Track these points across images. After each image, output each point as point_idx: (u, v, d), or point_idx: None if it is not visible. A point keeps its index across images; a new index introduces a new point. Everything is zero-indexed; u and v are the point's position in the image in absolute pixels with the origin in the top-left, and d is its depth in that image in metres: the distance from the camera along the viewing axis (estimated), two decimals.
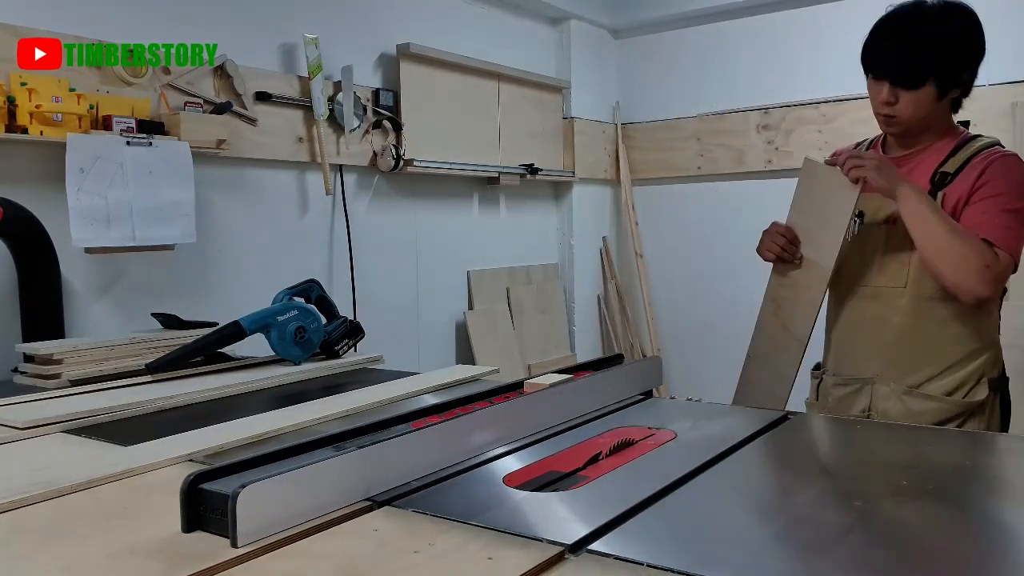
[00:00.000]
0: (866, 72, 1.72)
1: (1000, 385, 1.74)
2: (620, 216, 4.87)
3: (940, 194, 1.66)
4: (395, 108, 3.45)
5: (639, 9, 4.70)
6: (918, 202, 1.60)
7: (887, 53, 1.67)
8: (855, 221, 1.78)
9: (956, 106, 1.72)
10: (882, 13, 1.70)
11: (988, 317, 1.73)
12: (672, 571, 0.84)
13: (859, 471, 1.26)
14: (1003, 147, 1.71)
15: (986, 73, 3.65)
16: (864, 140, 1.95)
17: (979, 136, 1.74)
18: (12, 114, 2.18)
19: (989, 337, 1.73)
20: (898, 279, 1.72)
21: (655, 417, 1.58)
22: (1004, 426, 1.73)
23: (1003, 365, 1.75)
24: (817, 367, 1.96)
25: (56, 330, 2.23)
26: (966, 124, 1.80)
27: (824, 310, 1.91)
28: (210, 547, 0.92)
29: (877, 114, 1.74)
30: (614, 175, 4.85)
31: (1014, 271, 1.62)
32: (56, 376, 1.91)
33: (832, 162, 1.76)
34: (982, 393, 1.70)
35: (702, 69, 4.47)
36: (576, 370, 1.74)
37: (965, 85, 1.68)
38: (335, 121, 3.18)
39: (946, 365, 1.69)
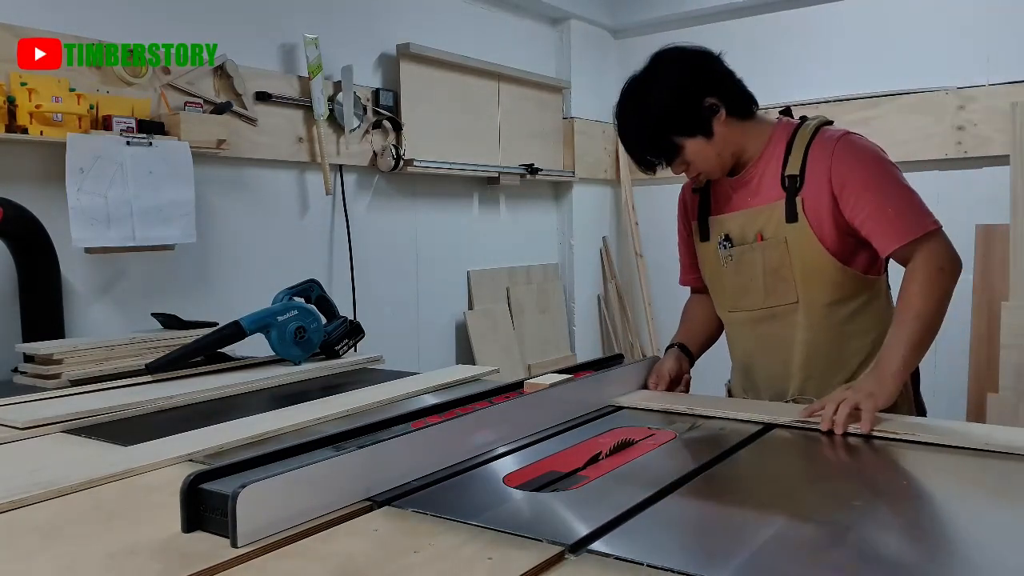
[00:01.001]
0: None
1: (915, 380, 1.72)
2: (620, 216, 4.87)
3: (798, 200, 1.60)
4: (395, 108, 3.45)
5: (639, 9, 4.70)
6: (904, 357, 1.46)
7: (632, 153, 1.67)
8: (723, 246, 1.73)
9: (742, 112, 1.63)
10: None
11: (879, 295, 1.69)
12: (672, 571, 0.84)
13: (859, 470, 1.26)
14: (831, 124, 1.66)
15: (986, 73, 3.70)
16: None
17: (803, 120, 1.68)
18: (12, 114, 2.18)
19: (887, 315, 1.67)
20: (788, 296, 1.67)
21: (655, 417, 1.57)
22: (916, 385, 1.71)
23: None
24: (729, 390, 1.92)
25: (56, 330, 2.23)
26: (787, 111, 1.74)
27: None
28: (210, 547, 0.93)
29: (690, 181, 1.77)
30: (614, 175, 4.85)
31: (940, 224, 1.54)
32: (56, 376, 1.91)
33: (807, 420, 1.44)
34: (905, 402, 1.66)
35: None
36: (576, 370, 1.74)
37: (725, 99, 1.60)
38: (335, 121, 3.18)
39: (859, 362, 1.67)
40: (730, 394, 1.91)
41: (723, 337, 1.92)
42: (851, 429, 1.37)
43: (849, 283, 1.64)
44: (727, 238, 1.72)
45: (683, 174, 1.70)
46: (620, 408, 1.61)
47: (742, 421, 1.47)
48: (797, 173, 1.61)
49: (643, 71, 1.64)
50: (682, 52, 1.64)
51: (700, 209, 1.80)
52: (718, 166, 1.65)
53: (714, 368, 2.03)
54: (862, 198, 1.55)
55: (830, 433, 1.38)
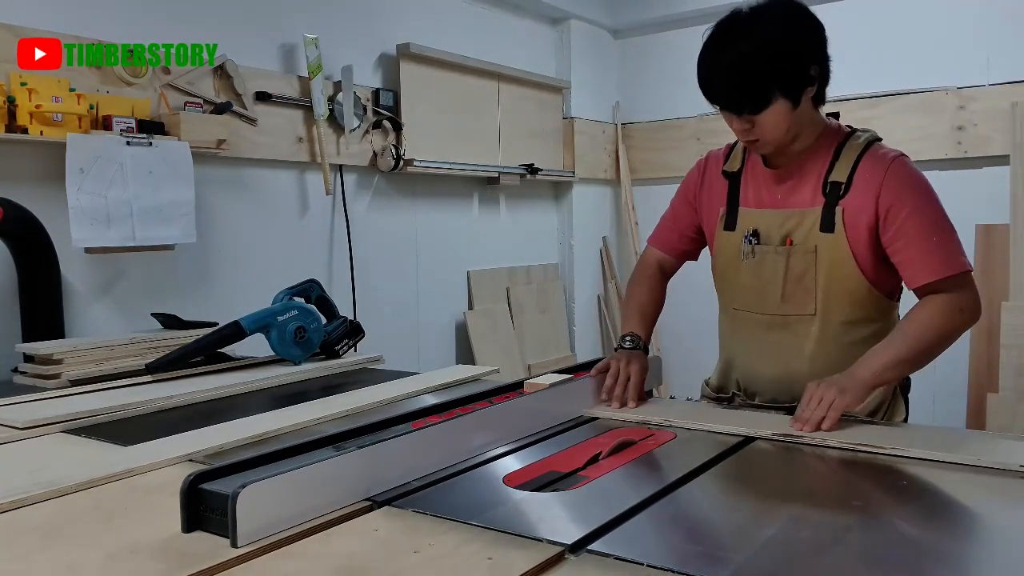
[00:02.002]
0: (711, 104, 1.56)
1: (906, 389, 1.71)
2: (620, 216, 4.87)
3: (839, 208, 1.54)
4: (395, 108, 3.45)
5: (639, 9, 4.70)
6: (884, 367, 1.44)
7: (719, 84, 1.50)
8: (749, 241, 1.65)
9: (820, 99, 1.57)
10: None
11: (889, 325, 1.64)
12: (672, 571, 0.84)
13: (858, 470, 1.26)
14: (881, 141, 1.61)
15: (986, 73, 3.70)
16: (730, 144, 1.77)
17: (854, 131, 1.63)
18: (12, 114, 2.18)
19: None
20: (806, 307, 1.60)
21: (655, 417, 1.57)
22: (904, 390, 1.70)
23: None
24: (716, 388, 1.83)
25: (56, 330, 2.23)
26: (836, 116, 1.68)
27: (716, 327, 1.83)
28: (210, 547, 0.92)
29: (740, 141, 1.63)
30: (614, 175, 4.85)
31: (972, 268, 1.52)
32: (56, 376, 1.91)
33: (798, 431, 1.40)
34: (900, 412, 1.67)
35: None
36: (576, 370, 1.74)
37: (820, 78, 1.52)
38: (335, 121, 3.18)
39: None
40: (708, 390, 1.84)
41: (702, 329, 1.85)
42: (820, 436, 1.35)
43: (871, 304, 1.59)
44: (754, 234, 1.64)
45: (746, 136, 1.56)
46: (594, 419, 1.53)
47: (721, 434, 1.40)
48: (843, 181, 1.55)
49: (767, 7, 1.49)
50: (809, 11, 1.52)
51: (730, 196, 1.70)
52: (778, 140, 1.54)
53: (698, 364, 1.96)
54: (907, 224, 1.49)
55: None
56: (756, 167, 1.67)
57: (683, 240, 1.83)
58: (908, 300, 1.60)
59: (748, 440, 1.37)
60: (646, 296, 1.82)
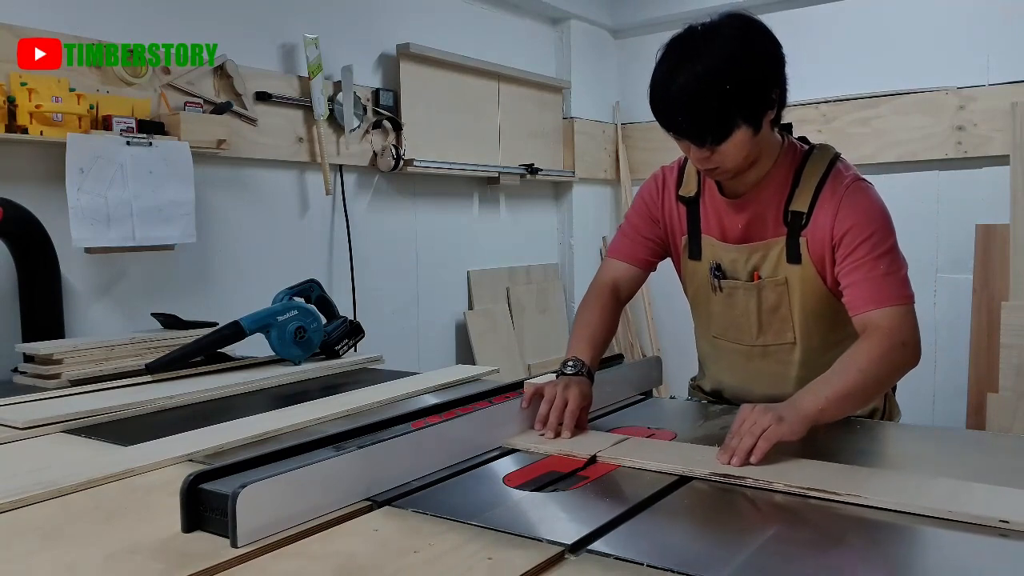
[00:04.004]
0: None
1: (892, 389, 1.68)
2: (620, 216, 4.86)
3: (802, 239, 1.48)
4: (395, 108, 3.45)
5: (639, 9, 4.69)
6: (828, 401, 1.30)
7: (677, 113, 1.38)
8: (715, 275, 1.58)
9: (777, 121, 1.48)
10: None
11: None
12: (672, 571, 0.84)
13: (857, 464, 1.26)
14: (840, 156, 1.54)
15: (986, 73, 3.70)
16: (680, 160, 1.67)
17: (811, 149, 1.54)
18: (12, 114, 2.18)
19: None
20: (785, 336, 1.57)
21: (655, 417, 1.58)
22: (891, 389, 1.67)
23: None
24: (700, 388, 1.79)
25: (56, 330, 2.23)
26: (789, 128, 1.57)
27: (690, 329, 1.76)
28: (210, 547, 0.93)
29: (697, 167, 1.51)
30: (614, 175, 4.85)
31: (913, 300, 1.44)
32: (56, 376, 1.91)
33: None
34: (897, 414, 1.67)
35: None
36: None
37: (779, 100, 1.44)
38: (335, 121, 3.18)
39: None
40: (696, 390, 1.82)
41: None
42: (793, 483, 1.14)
43: (847, 323, 1.52)
44: (719, 268, 1.58)
45: (705, 165, 1.45)
46: (514, 451, 1.33)
47: (656, 472, 1.19)
48: (804, 211, 1.49)
49: (722, 26, 1.38)
50: (767, 28, 1.42)
51: (690, 223, 1.63)
52: (738, 168, 1.46)
53: (687, 370, 1.92)
54: (857, 251, 1.43)
55: (829, 430, 1.37)
56: (714, 194, 1.59)
57: (646, 250, 1.70)
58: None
59: (684, 480, 1.17)
60: (596, 319, 1.64)
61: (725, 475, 1.16)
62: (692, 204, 1.62)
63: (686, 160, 1.63)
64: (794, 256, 1.51)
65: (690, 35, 1.39)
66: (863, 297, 1.42)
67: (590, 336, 1.60)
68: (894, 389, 1.70)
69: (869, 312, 1.41)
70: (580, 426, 1.40)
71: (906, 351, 1.39)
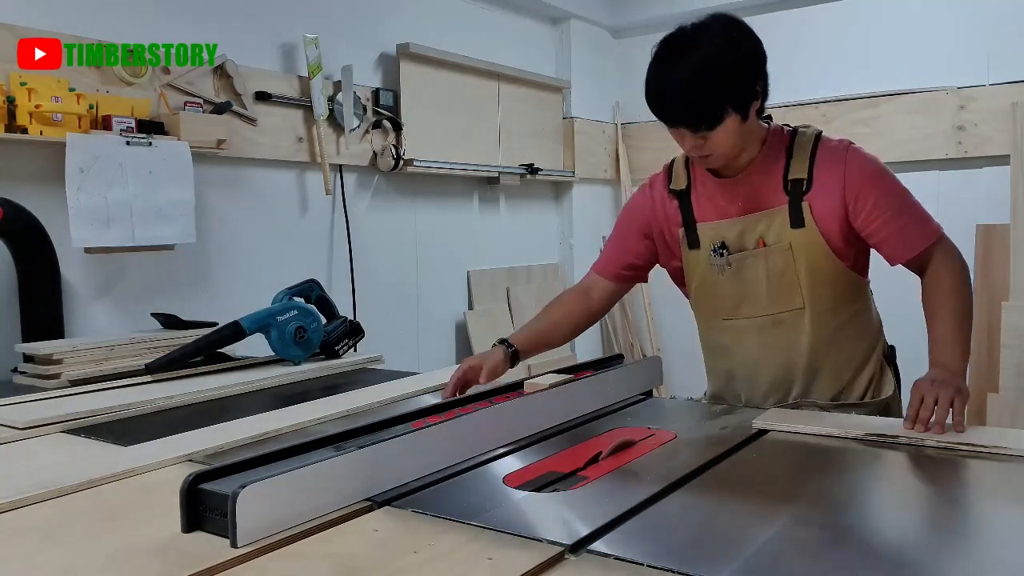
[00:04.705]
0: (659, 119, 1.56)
1: (892, 358, 1.76)
2: None
3: (805, 204, 1.57)
4: (395, 108, 3.45)
5: (639, 9, 4.69)
6: (957, 344, 1.49)
7: (671, 103, 1.51)
8: (719, 254, 1.65)
9: (761, 112, 1.59)
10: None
11: (869, 299, 1.73)
12: (672, 571, 0.84)
13: (858, 470, 1.26)
14: (822, 132, 1.65)
15: (986, 73, 3.70)
16: (667, 164, 1.79)
17: (796, 129, 1.65)
18: (12, 114, 2.18)
19: (876, 319, 1.75)
20: (795, 302, 1.63)
21: (655, 417, 1.58)
22: (898, 389, 1.74)
23: (884, 338, 1.77)
24: (714, 399, 1.81)
25: (56, 330, 2.23)
26: (769, 118, 1.66)
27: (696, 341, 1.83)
28: (210, 547, 0.93)
29: (690, 156, 1.63)
30: (614, 175, 4.85)
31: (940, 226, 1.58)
32: (56, 376, 1.91)
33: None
34: (889, 387, 1.71)
35: None
36: (576, 370, 1.74)
37: (763, 91, 1.55)
38: (335, 121, 3.18)
39: (856, 366, 1.68)
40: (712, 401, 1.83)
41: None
42: (944, 438, 1.32)
43: (852, 286, 1.65)
44: (723, 246, 1.65)
45: (697, 152, 1.56)
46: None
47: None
48: (804, 177, 1.58)
49: (710, 24, 1.51)
50: (749, 27, 1.55)
51: (684, 214, 1.70)
52: (729, 155, 1.56)
53: (698, 364, 1.94)
54: (877, 207, 1.55)
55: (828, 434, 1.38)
56: (706, 182, 1.67)
57: (624, 265, 1.82)
58: (875, 275, 1.68)
59: (754, 437, 1.36)
60: (546, 315, 1.87)
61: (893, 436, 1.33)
62: (684, 197, 1.71)
63: (673, 161, 1.77)
64: (797, 221, 1.59)
65: (681, 33, 1.53)
66: (899, 247, 1.56)
67: (533, 327, 1.85)
68: (892, 358, 1.76)
69: (916, 256, 1.56)
70: (465, 386, 1.66)
71: (965, 269, 1.56)
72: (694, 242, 1.69)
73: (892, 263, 1.59)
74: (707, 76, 1.47)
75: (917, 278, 1.59)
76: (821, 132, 1.65)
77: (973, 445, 1.27)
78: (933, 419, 1.34)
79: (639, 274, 1.85)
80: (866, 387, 1.69)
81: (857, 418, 1.51)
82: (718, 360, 1.79)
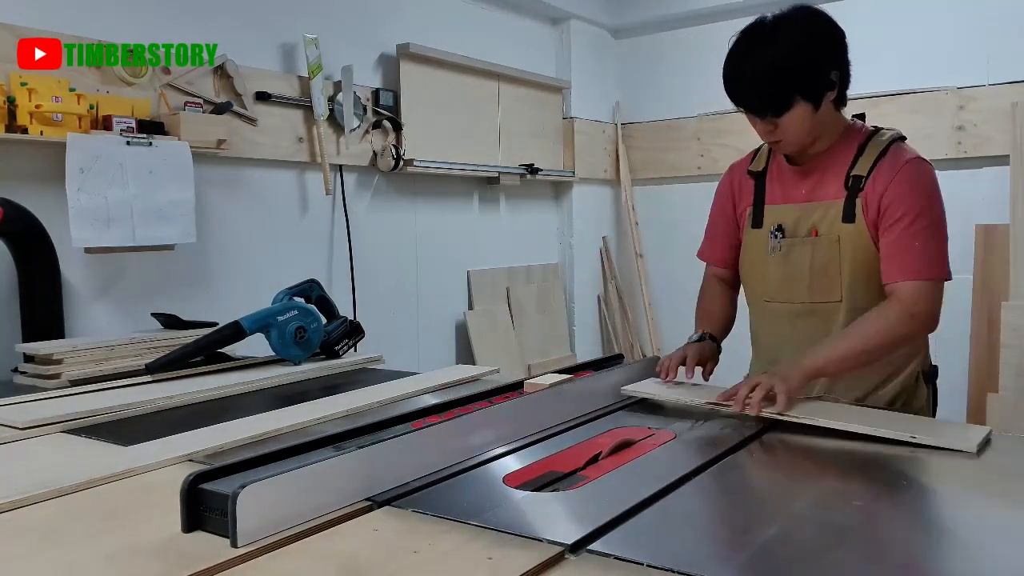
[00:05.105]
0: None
1: (932, 376, 1.76)
2: (620, 216, 4.87)
3: (859, 200, 1.61)
4: (395, 108, 3.45)
5: (639, 9, 4.69)
6: (828, 361, 1.53)
7: (743, 87, 1.58)
8: (774, 236, 1.72)
9: (842, 101, 1.64)
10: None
11: None
12: (672, 571, 0.84)
13: (857, 470, 1.26)
14: (905, 140, 1.67)
15: (986, 73, 3.69)
16: (761, 145, 1.82)
17: (879, 130, 1.68)
18: (12, 114, 2.18)
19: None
20: (833, 294, 1.66)
21: (655, 417, 1.58)
22: (933, 410, 1.76)
23: (929, 356, 1.76)
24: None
25: (56, 330, 2.23)
26: (862, 117, 1.73)
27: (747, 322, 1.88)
28: (210, 547, 0.93)
29: (764, 140, 1.70)
30: (614, 175, 4.85)
31: (949, 278, 1.58)
32: (56, 376, 1.91)
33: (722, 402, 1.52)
34: (920, 399, 1.71)
35: (702, 69, 4.45)
36: (576, 370, 1.74)
37: (839, 82, 1.60)
38: (335, 121, 3.18)
39: (888, 372, 1.68)
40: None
41: (741, 330, 1.89)
42: (766, 412, 1.44)
43: None
44: (779, 228, 1.71)
45: (769, 137, 1.64)
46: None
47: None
48: (864, 175, 1.61)
49: (790, 15, 1.58)
50: (830, 18, 1.62)
51: (756, 194, 1.78)
52: (800, 141, 1.62)
53: (717, 368, 1.97)
54: (900, 222, 1.56)
55: (828, 434, 1.38)
56: (781, 166, 1.74)
57: (729, 248, 1.88)
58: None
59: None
60: (708, 306, 1.90)
61: (717, 405, 1.50)
62: (760, 178, 1.79)
63: (760, 146, 1.82)
64: (849, 216, 1.63)
65: (760, 23, 1.60)
66: (892, 266, 1.57)
67: (708, 318, 1.86)
68: (933, 376, 1.76)
69: (896, 282, 1.56)
70: (691, 372, 1.68)
71: (914, 322, 1.55)
72: (758, 222, 1.76)
73: (883, 279, 1.59)
74: (777, 64, 1.53)
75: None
76: (902, 138, 1.66)
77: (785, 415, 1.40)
78: (738, 396, 1.45)
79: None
80: (894, 397, 1.69)
81: (709, 387, 1.61)
82: (757, 341, 1.87)
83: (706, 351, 1.75)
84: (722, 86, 1.61)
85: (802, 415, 1.41)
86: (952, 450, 1.27)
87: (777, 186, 1.75)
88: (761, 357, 1.86)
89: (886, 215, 1.58)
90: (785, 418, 1.42)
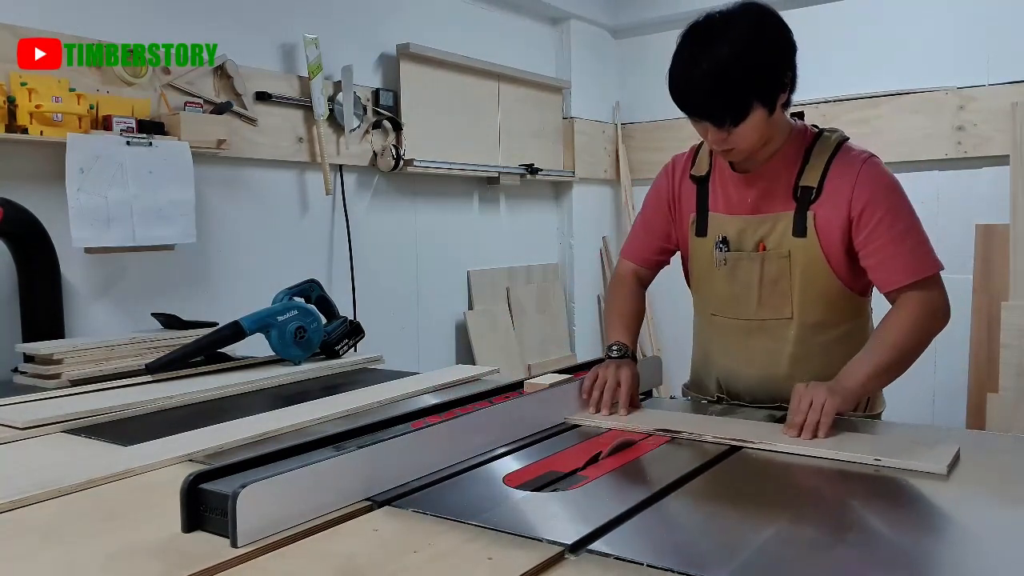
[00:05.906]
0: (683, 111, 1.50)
1: None
2: (620, 216, 4.87)
3: (810, 213, 1.53)
4: (395, 108, 3.45)
5: (639, 9, 4.70)
6: (869, 377, 1.44)
7: (696, 95, 1.45)
8: (719, 248, 1.63)
9: (788, 104, 1.53)
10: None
11: (866, 319, 1.67)
12: (672, 571, 0.84)
13: (857, 469, 1.26)
14: (849, 140, 1.58)
15: (986, 73, 3.69)
16: (693, 147, 1.74)
17: (822, 131, 1.59)
18: (12, 114, 2.18)
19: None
20: (783, 311, 1.59)
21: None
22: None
23: None
24: (696, 387, 1.82)
25: (56, 330, 2.23)
26: (800, 116, 1.63)
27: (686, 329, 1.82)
28: (210, 547, 0.92)
29: (713, 149, 1.57)
30: (614, 175, 4.85)
31: (943, 267, 1.52)
32: (56, 376, 1.91)
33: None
34: (880, 404, 1.67)
35: None
36: (576, 370, 1.74)
37: (791, 84, 1.49)
38: (335, 121, 3.18)
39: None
40: (690, 392, 1.84)
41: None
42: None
43: (845, 303, 1.59)
44: (724, 240, 1.62)
45: (721, 146, 1.50)
46: (575, 427, 1.47)
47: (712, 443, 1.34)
48: (814, 186, 1.53)
49: (736, 14, 1.45)
50: (779, 16, 1.50)
51: (699, 201, 1.68)
52: (752, 148, 1.50)
53: (687, 370, 1.94)
54: (879, 227, 1.48)
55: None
56: (724, 171, 1.64)
57: (657, 251, 1.79)
58: (879, 295, 1.58)
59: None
60: (626, 306, 1.78)
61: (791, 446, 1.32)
62: (702, 183, 1.68)
63: (700, 145, 1.70)
64: (800, 230, 1.55)
65: (708, 23, 1.45)
66: (890, 274, 1.49)
67: (624, 322, 1.74)
68: None
69: (902, 287, 1.48)
70: (633, 404, 1.55)
71: (936, 319, 1.49)
72: (702, 230, 1.67)
73: (882, 290, 1.52)
74: (733, 69, 1.40)
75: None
76: (846, 139, 1.58)
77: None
78: (800, 423, 1.34)
79: (668, 257, 1.82)
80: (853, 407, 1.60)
81: (660, 414, 1.51)
82: (700, 347, 1.80)
83: (635, 372, 1.59)
84: None
85: (760, 439, 1.33)
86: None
87: (721, 193, 1.64)
88: (704, 363, 1.78)
89: (861, 223, 1.50)
90: (739, 444, 1.33)
